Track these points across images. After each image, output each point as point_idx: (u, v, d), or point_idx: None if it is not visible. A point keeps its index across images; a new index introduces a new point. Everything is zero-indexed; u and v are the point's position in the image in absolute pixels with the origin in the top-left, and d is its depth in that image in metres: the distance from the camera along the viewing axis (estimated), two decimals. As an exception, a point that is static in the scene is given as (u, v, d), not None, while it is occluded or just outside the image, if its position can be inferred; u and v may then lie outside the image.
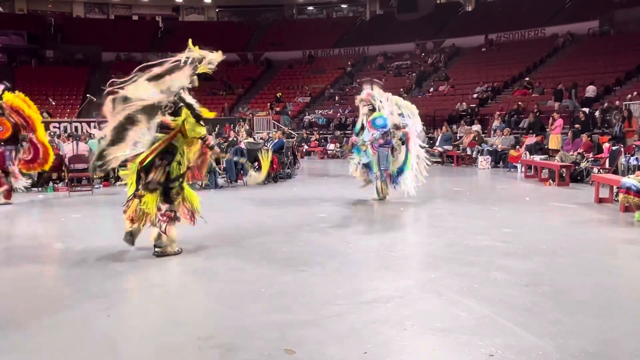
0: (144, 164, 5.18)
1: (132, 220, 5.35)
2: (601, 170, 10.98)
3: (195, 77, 5.24)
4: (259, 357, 3.04)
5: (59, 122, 21.17)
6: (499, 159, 15.61)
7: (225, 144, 14.43)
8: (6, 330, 3.51)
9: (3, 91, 8.99)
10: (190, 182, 6.04)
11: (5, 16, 35.16)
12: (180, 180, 5.39)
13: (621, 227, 6.90)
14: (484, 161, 15.54)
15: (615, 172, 10.34)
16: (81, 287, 4.50)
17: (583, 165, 11.64)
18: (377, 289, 4.25)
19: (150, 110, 4.89)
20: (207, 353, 3.12)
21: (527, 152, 14.09)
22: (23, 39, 32.79)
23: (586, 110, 16.66)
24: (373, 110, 8.92)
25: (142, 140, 4.97)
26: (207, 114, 5.45)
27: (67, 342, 3.35)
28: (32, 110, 9.17)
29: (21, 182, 9.48)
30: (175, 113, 5.21)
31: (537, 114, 17.36)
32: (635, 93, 16.91)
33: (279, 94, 30.07)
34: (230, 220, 7.80)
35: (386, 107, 8.82)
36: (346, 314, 3.69)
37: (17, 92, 9.25)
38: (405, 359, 3.04)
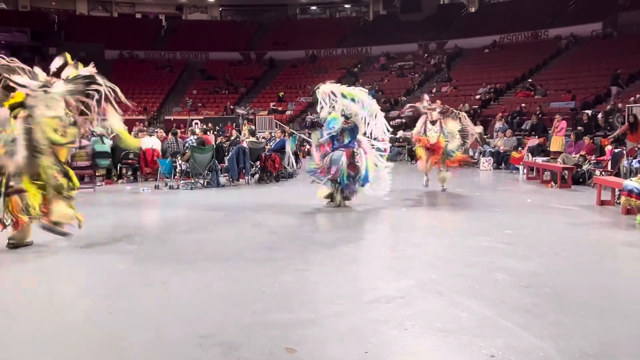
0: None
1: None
2: (603, 172, 10.97)
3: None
4: (260, 355, 3.04)
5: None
6: (501, 160, 15.60)
7: (228, 142, 14.46)
8: None
9: None
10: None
11: (8, 13, 35.26)
12: None
13: (622, 230, 6.89)
14: (485, 162, 15.53)
15: (618, 174, 10.33)
16: (77, 284, 4.52)
17: (585, 167, 11.62)
18: (378, 288, 4.25)
19: None
20: (208, 351, 3.12)
21: (529, 154, 14.08)
22: (26, 36, 32.93)
23: (589, 112, 16.66)
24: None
25: None
26: None
27: (69, 338, 3.36)
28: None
29: None
30: None
31: (540, 115, 17.37)
32: (638, 95, 16.89)
33: (281, 94, 30.11)
34: (232, 219, 7.82)
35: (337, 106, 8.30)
36: (347, 314, 3.69)
37: None
38: (406, 359, 3.05)
